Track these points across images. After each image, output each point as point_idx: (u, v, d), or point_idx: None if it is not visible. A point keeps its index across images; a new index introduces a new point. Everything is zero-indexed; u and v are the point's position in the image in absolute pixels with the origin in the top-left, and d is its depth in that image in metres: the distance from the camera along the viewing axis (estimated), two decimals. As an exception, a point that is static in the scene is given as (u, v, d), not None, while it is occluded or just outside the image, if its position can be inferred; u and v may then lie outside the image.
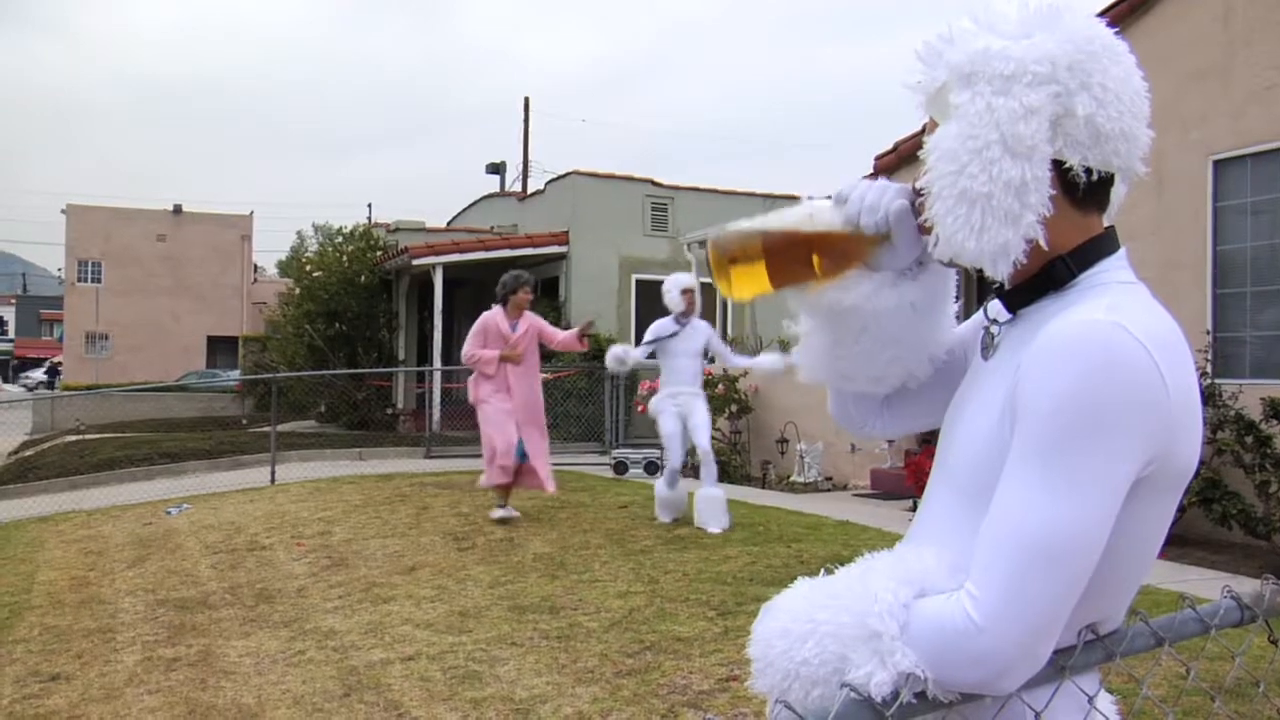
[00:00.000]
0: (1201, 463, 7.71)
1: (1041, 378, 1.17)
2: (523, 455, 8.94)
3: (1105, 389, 1.14)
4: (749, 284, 1.45)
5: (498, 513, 9.07)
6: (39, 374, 49.46)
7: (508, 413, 8.94)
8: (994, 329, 1.36)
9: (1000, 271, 1.26)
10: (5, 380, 61.31)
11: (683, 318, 8.77)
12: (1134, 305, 1.23)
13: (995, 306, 1.41)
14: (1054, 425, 1.15)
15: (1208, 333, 8.45)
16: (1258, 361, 8.39)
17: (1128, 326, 1.17)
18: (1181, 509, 7.78)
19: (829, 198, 1.44)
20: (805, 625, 1.20)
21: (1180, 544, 7.87)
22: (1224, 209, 8.62)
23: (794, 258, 1.43)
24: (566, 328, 19.73)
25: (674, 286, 8.82)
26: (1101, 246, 1.32)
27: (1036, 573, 1.14)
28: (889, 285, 1.43)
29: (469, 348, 9.06)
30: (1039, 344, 1.20)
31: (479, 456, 9.46)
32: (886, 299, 1.43)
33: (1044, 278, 1.31)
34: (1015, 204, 1.22)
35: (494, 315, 9.11)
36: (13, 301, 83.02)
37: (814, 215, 1.43)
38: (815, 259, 1.43)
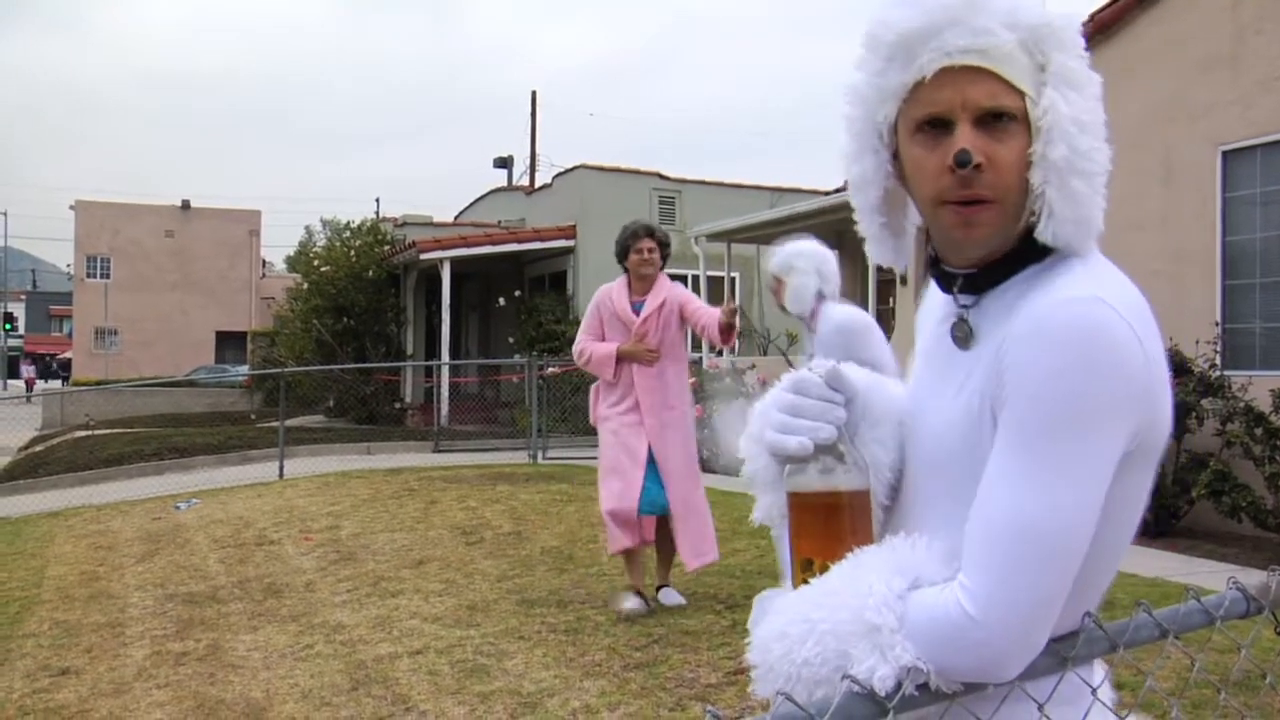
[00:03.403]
0: (1211, 455, 7.73)
1: (1028, 362, 1.15)
2: (659, 506, 5.87)
3: (1092, 370, 1.13)
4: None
5: (626, 603, 5.83)
6: None
7: (631, 441, 5.90)
8: (967, 315, 1.30)
9: (1091, 247, 1.25)
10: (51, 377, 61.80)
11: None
12: (1106, 276, 1.22)
13: (938, 296, 1.38)
14: (1042, 411, 1.14)
15: (1217, 324, 8.42)
16: (1267, 353, 8.35)
17: (1107, 300, 1.16)
18: (1190, 501, 7.80)
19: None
20: (802, 625, 1.18)
21: (1189, 536, 7.85)
22: (1233, 200, 8.58)
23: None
24: (576, 323, 19.81)
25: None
26: None
27: (1029, 562, 1.13)
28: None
29: (577, 340, 6.19)
30: (1022, 327, 1.18)
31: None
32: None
33: (1019, 254, 1.27)
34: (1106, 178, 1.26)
35: (609, 290, 6.15)
36: (23, 297, 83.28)
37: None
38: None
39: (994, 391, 1.20)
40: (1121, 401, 1.15)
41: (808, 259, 5.37)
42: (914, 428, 1.35)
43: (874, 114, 1.30)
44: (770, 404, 1.34)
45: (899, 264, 1.42)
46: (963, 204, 1.22)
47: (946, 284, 1.33)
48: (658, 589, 6.11)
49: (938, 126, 1.23)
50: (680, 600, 6.02)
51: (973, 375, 1.25)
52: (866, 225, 1.38)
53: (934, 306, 1.42)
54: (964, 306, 1.31)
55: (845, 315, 5.15)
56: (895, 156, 1.32)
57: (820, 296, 5.34)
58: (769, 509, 1.37)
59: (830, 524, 1.27)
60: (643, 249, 6.01)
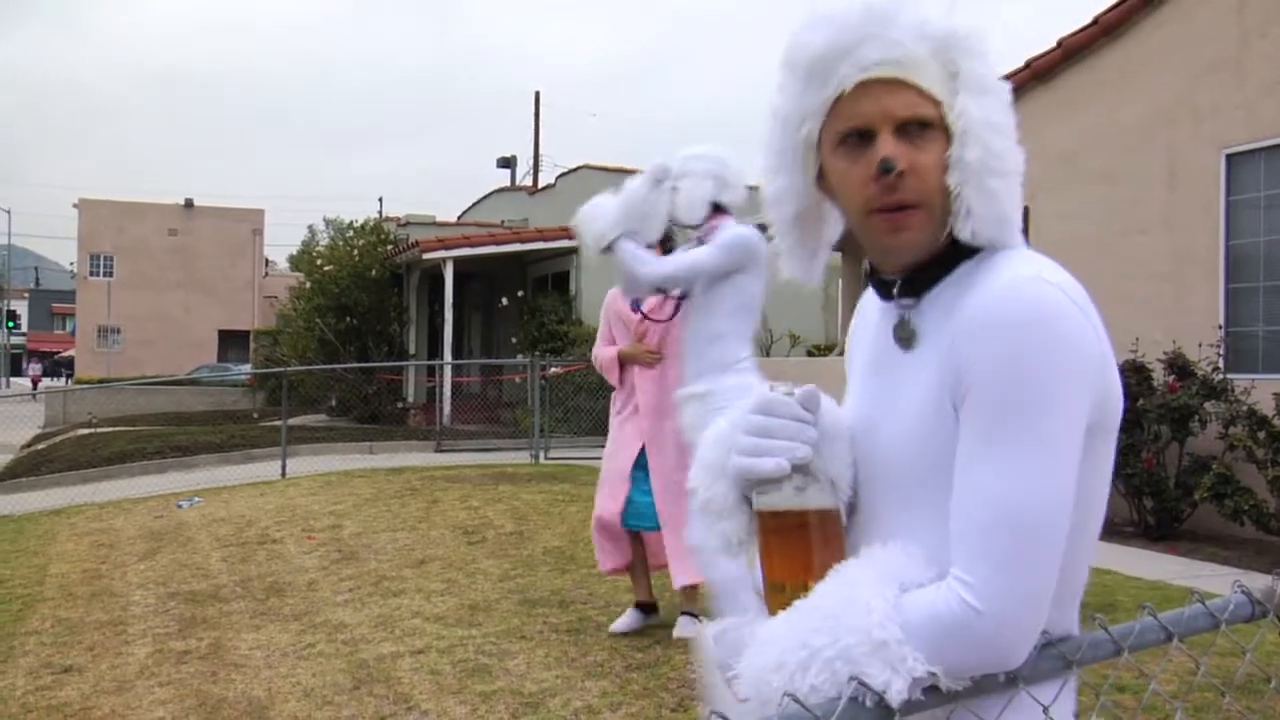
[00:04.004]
0: (1213, 458, 7.72)
1: (986, 349, 1.17)
2: (649, 520, 5.42)
3: (1049, 347, 1.15)
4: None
5: (619, 623, 5.60)
6: None
7: (622, 451, 5.53)
8: (909, 316, 1.33)
9: (1016, 240, 1.27)
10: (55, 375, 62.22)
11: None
12: (1039, 260, 1.24)
13: (871, 313, 1.42)
14: (1009, 394, 1.16)
15: (1220, 328, 8.41)
16: (1270, 356, 8.34)
17: (1047, 278, 1.20)
18: (1193, 504, 7.80)
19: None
20: (801, 653, 1.16)
21: (1191, 539, 7.85)
22: (1236, 203, 8.58)
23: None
24: (578, 323, 19.89)
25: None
26: None
27: (1025, 546, 1.14)
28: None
29: (596, 344, 5.88)
30: (973, 316, 1.20)
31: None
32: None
33: (951, 254, 1.29)
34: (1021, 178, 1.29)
35: (617, 292, 5.67)
36: (26, 295, 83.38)
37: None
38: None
39: (952, 385, 1.22)
40: (1080, 373, 1.18)
41: (705, 162, 4.70)
42: (865, 442, 1.36)
43: (793, 133, 1.35)
44: (733, 428, 1.34)
45: (811, 278, 1.47)
46: (889, 210, 1.26)
47: (885, 291, 1.36)
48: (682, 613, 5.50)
49: (860, 138, 1.28)
50: (691, 632, 5.13)
51: (921, 377, 1.27)
52: (782, 239, 1.44)
53: (867, 324, 1.45)
54: (905, 308, 1.34)
55: (746, 231, 4.61)
56: (821, 175, 1.36)
57: (716, 208, 4.67)
58: (727, 536, 1.36)
59: (804, 544, 1.27)
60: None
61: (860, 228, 1.32)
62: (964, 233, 1.26)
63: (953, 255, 1.29)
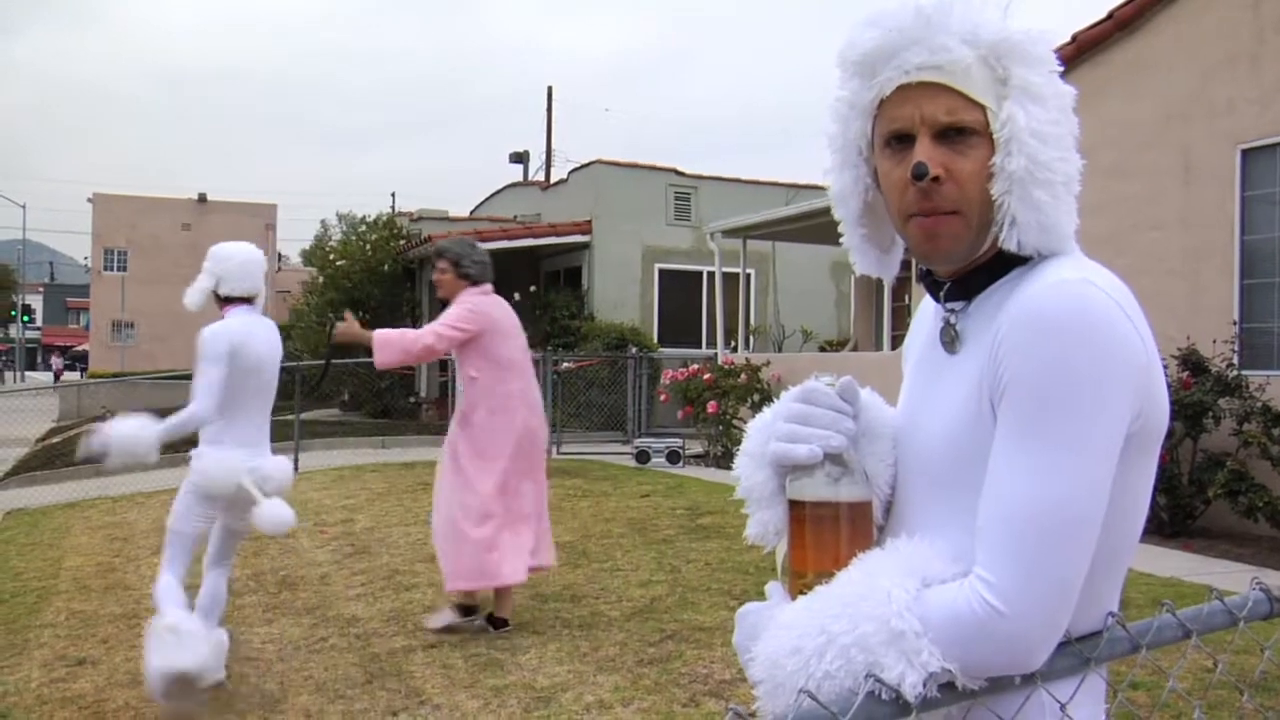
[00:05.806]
0: (1227, 454, 7.68)
1: (1026, 349, 1.16)
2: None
3: (1091, 349, 1.14)
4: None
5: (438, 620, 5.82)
6: None
7: None
8: (953, 319, 1.33)
9: (1069, 248, 1.26)
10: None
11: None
12: (1089, 265, 1.23)
13: (928, 316, 1.42)
14: (1045, 394, 1.15)
15: (1234, 324, 8.37)
16: (1286, 353, 8.31)
17: (1095, 282, 1.18)
18: (1206, 501, 7.77)
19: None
20: (819, 639, 1.16)
21: (1205, 536, 7.82)
22: (1252, 198, 8.53)
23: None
24: (590, 318, 19.88)
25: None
26: None
27: (1051, 547, 1.13)
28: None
29: None
30: (1015, 316, 1.19)
31: None
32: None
33: (1004, 258, 1.29)
34: (1076, 187, 1.27)
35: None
36: (40, 289, 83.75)
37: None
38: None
39: (990, 383, 1.21)
40: (1121, 378, 1.16)
41: (207, 260, 5.32)
42: (907, 441, 1.36)
43: (849, 130, 1.35)
44: (775, 416, 1.36)
45: (885, 274, 1.46)
46: (926, 216, 1.25)
47: (935, 291, 1.36)
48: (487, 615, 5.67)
49: (903, 141, 1.27)
50: (440, 623, 5.65)
51: (962, 377, 1.27)
52: (849, 237, 1.43)
53: (922, 326, 1.45)
54: (951, 311, 1.33)
55: (208, 332, 5.14)
56: (877, 171, 1.36)
57: (219, 298, 5.31)
58: (765, 525, 1.38)
59: (834, 535, 1.27)
60: (441, 268, 6.27)
61: (901, 232, 1.33)
62: (1009, 242, 1.25)
63: (1002, 260, 1.28)
